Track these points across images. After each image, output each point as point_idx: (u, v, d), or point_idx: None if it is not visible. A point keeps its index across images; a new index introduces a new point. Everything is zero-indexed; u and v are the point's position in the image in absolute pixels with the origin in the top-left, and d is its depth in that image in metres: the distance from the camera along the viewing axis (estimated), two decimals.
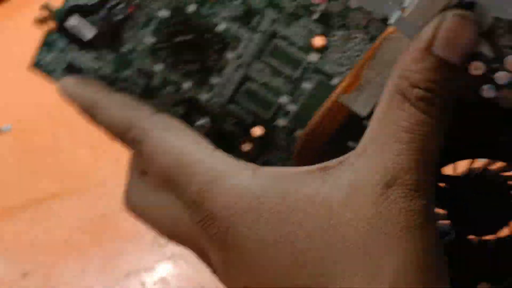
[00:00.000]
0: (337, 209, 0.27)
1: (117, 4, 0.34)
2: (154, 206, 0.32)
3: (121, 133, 0.32)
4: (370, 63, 0.31)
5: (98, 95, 0.33)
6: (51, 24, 0.35)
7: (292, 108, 0.33)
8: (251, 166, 0.30)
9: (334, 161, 0.28)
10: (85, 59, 0.35)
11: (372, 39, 0.32)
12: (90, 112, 0.33)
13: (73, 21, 0.34)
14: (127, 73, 0.35)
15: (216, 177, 0.29)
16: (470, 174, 0.32)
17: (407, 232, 0.26)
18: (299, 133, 0.33)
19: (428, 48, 0.27)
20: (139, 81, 0.35)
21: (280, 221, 0.28)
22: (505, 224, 0.32)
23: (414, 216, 0.26)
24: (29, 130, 0.51)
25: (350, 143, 0.32)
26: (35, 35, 0.35)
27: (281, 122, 0.34)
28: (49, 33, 0.35)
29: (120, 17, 0.34)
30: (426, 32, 0.27)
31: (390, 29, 0.31)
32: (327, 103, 0.32)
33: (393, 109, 0.27)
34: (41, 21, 0.35)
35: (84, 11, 0.34)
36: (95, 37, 0.34)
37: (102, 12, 0.34)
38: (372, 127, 0.28)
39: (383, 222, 0.26)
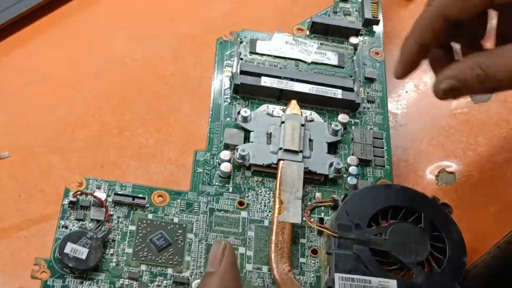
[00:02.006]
0: None
1: (100, 224, 0.43)
2: None
3: None
4: (281, 189, 0.46)
5: None
6: (45, 275, 0.42)
7: (250, 253, 0.45)
8: None
9: None
10: (82, 286, 0.42)
11: (270, 189, 0.47)
12: None
13: (68, 248, 0.42)
14: (121, 281, 0.42)
15: None
16: None
17: None
18: None
19: None
20: (132, 284, 0.42)
21: None
22: None
23: None
24: (26, 157, 0.50)
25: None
26: None
27: (248, 267, 0.45)
28: (45, 282, 0.41)
29: (104, 232, 0.43)
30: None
31: (280, 163, 0.47)
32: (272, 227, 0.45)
33: None
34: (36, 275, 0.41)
35: (73, 239, 0.42)
36: (89, 253, 0.42)
37: (90, 234, 0.42)
38: None
39: None
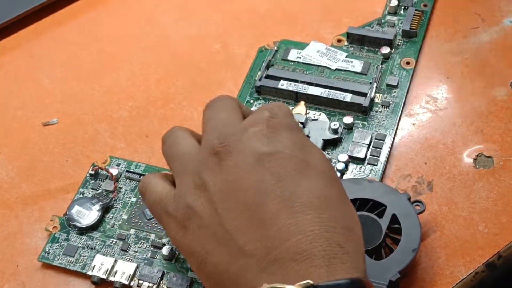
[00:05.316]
0: None
1: (106, 194, 0.52)
2: None
3: None
4: None
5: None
6: (56, 229, 0.51)
7: None
8: None
9: None
10: (80, 240, 0.51)
11: None
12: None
13: (74, 210, 0.51)
14: (111, 240, 0.51)
15: None
16: None
17: None
18: None
19: None
20: (118, 243, 0.51)
21: None
22: None
23: None
24: (73, 124, 0.56)
25: None
26: None
27: None
28: (54, 233, 0.51)
29: (107, 201, 0.52)
30: None
31: None
32: None
33: None
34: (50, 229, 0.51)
35: (81, 202, 0.52)
36: (90, 215, 0.51)
37: (95, 200, 0.52)
38: None
39: None
